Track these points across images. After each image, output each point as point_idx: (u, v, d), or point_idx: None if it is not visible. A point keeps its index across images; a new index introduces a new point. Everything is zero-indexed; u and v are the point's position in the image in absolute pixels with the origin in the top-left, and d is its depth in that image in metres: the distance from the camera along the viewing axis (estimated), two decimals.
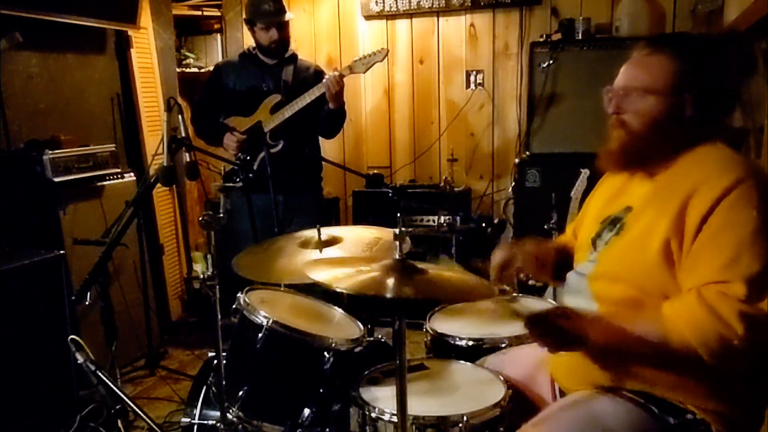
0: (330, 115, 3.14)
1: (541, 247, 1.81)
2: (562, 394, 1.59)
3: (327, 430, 1.82)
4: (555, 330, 1.39)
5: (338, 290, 1.33)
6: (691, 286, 1.32)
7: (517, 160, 3.87)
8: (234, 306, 1.96)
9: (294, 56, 3.28)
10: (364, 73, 3.17)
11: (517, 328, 1.95)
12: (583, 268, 1.58)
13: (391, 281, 1.34)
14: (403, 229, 1.43)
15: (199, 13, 4.77)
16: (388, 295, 1.30)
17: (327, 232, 2.11)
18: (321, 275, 1.41)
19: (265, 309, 1.89)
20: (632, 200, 1.51)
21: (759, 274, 1.26)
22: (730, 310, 1.24)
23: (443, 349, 1.93)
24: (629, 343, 1.35)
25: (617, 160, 1.53)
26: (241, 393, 1.84)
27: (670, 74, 1.43)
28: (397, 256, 1.41)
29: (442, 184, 4.01)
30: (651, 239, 1.37)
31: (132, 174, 3.45)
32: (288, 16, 3.16)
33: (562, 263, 1.75)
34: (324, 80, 3.04)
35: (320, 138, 3.40)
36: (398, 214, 1.53)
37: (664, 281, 1.37)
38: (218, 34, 4.84)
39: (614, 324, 1.37)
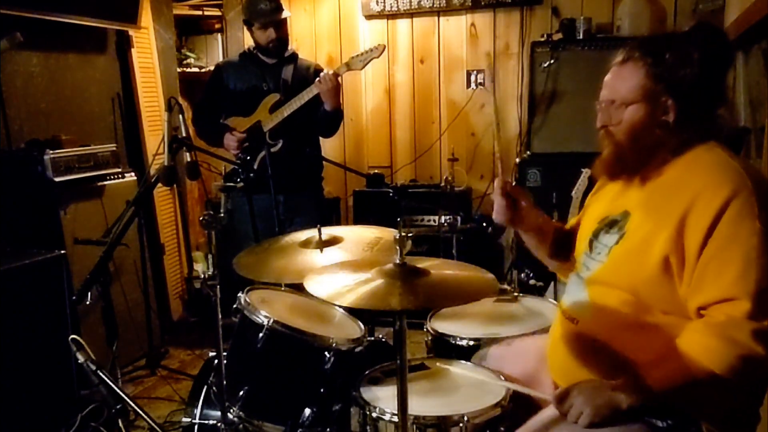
0: (326, 116, 3.13)
1: (545, 217, 1.81)
2: None
3: (328, 430, 1.82)
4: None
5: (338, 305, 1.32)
6: (698, 304, 1.31)
7: (517, 160, 3.86)
8: (235, 306, 1.96)
9: (294, 55, 3.27)
10: (362, 69, 3.16)
11: (517, 327, 1.95)
12: (581, 270, 1.58)
13: (392, 293, 1.33)
14: (403, 233, 1.42)
15: (200, 12, 4.77)
16: (390, 308, 1.30)
17: (327, 231, 2.10)
18: (320, 290, 1.40)
19: (265, 309, 1.89)
20: (630, 204, 1.49)
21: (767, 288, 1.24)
22: (743, 332, 1.23)
23: (444, 349, 1.93)
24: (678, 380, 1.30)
25: (607, 170, 1.55)
26: (241, 393, 1.85)
27: (642, 80, 1.41)
28: (398, 261, 1.41)
29: (442, 183, 4.00)
30: (650, 252, 1.36)
31: (133, 174, 3.44)
32: (285, 14, 3.15)
33: (560, 240, 1.75)
34: (318, 78, 3.02)
35: (320, 137, 3.40)
36: (398, 219, 1.52)
37: (662, 292, 1.36)
38: (219, 34, 4.84)
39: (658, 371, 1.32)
